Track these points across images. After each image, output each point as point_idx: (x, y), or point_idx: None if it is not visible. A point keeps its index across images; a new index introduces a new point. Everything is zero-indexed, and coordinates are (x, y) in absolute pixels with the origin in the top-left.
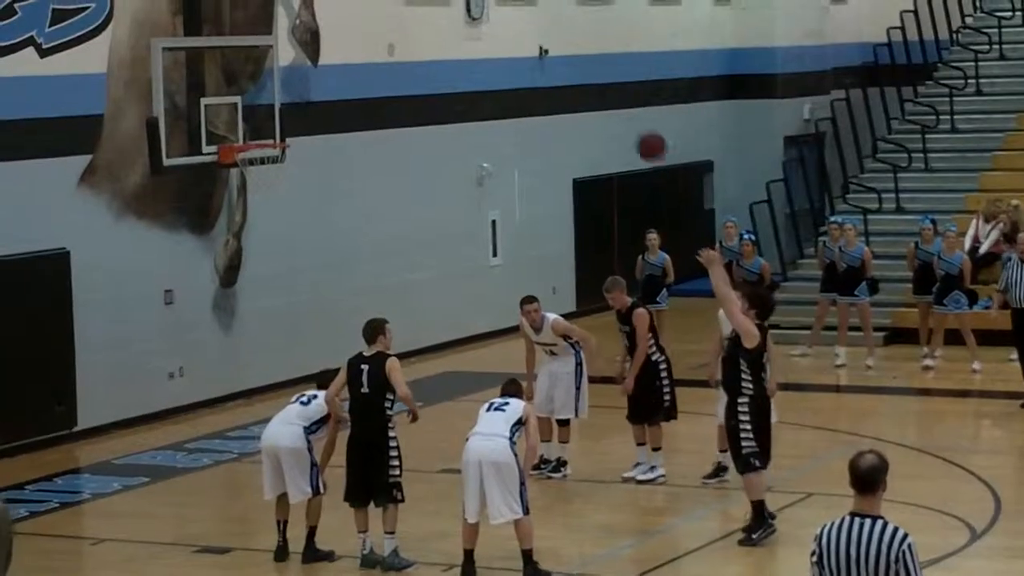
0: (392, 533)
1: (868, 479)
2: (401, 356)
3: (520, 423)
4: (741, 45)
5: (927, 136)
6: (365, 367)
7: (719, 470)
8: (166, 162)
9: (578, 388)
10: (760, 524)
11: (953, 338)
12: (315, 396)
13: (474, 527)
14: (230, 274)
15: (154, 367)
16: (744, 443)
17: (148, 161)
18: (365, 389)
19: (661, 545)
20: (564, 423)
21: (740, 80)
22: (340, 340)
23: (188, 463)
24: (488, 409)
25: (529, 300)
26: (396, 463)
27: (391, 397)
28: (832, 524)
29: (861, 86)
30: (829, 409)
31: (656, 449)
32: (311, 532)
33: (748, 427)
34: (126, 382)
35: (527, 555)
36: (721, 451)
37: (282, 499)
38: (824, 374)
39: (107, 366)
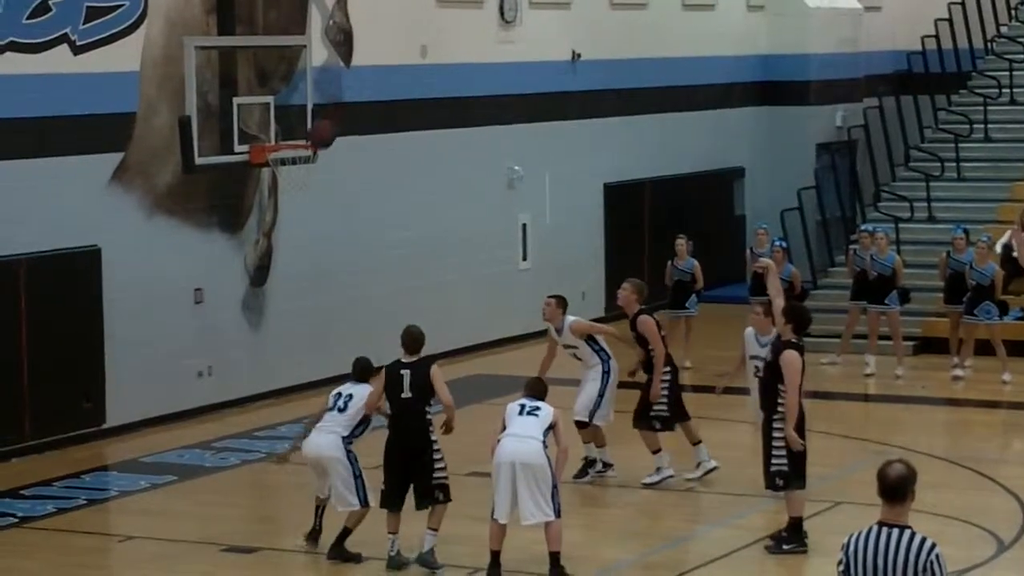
0: (435, 530)
1: (897, 489)
2: None
3: (551, 428)
4: (774, 52)
5: (960, 145)
6: (406, 372)
7: None
8: (198, 161)
9: (601, 396)
10: (795, 539)
11: (983, 349)
12: (351, 396)
13: (502, 528)
14: (260, 274)
15: (183, 366)
16: (775, 461)
17: (180, 160)
18: (407, 394)
19: (687, 552)
20: (582, 426)
21: (773, 87)
22: (369, 341)
23: (216, 462)
24: (520, 412)
25: (549, 295)
26: (441, 465)
27: (431, 402)
28: (859, 533)
29: (894, 94)
30: (857, 418)
31: (656, 451)
32: (345, 532)
33: (782, 445)
34: (155, 380)
35: (554, 558)
36: None
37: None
38: (853, 383)
39: (136, 364)
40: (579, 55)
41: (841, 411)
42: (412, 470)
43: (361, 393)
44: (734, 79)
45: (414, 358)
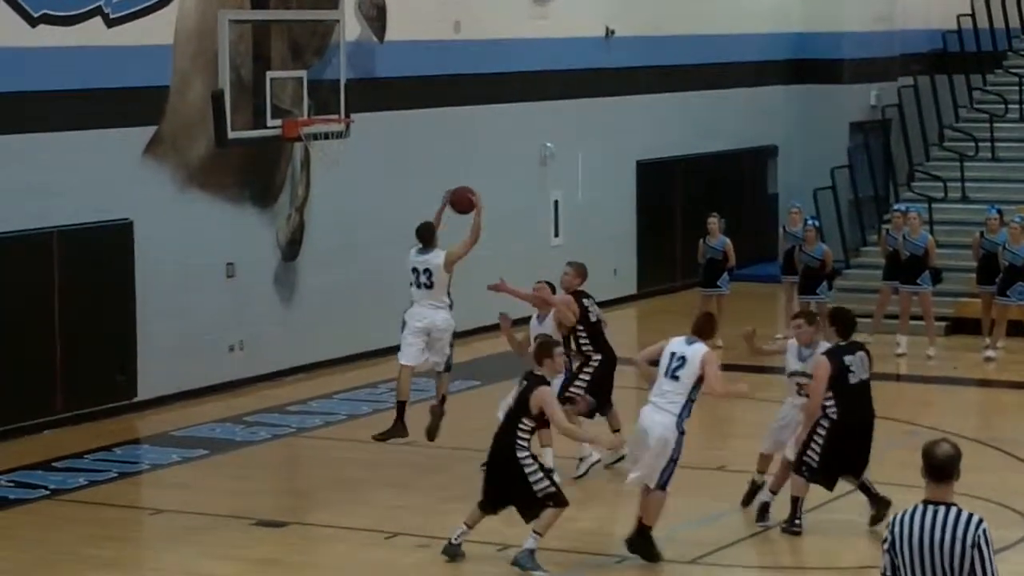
0: (540, 534)
1: (944, 468)
2: (461, 335)
3: (700, 380)
4: (808, 29)
5: (995, 125)
6: (524, 383)
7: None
8: (230, 135)
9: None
10: (792, 516)
11: (1016, 329)
12: (428, 271)
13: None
14: (292, 248)
15: (215, 340)
16: (808, 454)
17: (213, 134)
18: (509, 402)
19: (721, 529)
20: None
21: (807, 65)
22: (400, 316)
23: (247, 436)
24: (666, 371)
25: (538, 281)
26: (538, 476)
27: (530, 420)
28: (905, 512)
29: (929, 73)
30: (889, 398)
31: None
32: (442, 399)
33: (818, 443)
34: (187, 354)
35: (641, 527)
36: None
37: (407, 383)
38: (884, 362)
39: (168, 338)
40: (613, 31)
41: (872, 391)
42: (505, 483)
43: (436, 261)
44: (768, 57)
45: (537, 374)
